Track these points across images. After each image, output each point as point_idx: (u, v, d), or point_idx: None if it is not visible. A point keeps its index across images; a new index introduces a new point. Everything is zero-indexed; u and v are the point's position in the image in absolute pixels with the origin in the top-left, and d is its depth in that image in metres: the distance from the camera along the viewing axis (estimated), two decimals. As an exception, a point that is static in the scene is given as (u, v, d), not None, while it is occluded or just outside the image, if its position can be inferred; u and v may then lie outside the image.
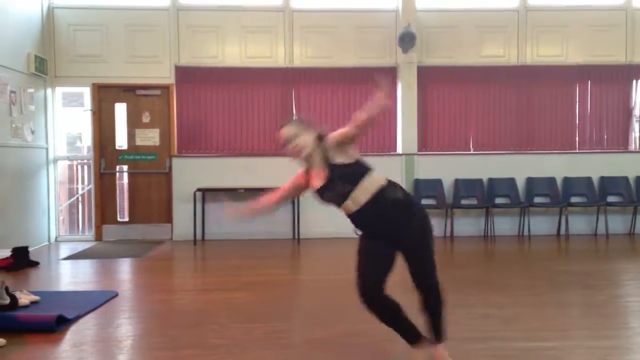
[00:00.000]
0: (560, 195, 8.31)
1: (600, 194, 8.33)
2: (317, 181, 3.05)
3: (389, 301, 3.00)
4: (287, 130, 3.11)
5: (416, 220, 2.99)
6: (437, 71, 8.43)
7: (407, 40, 7.99)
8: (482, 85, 8.49)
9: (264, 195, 3.36)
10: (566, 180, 8.36)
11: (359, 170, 2.98)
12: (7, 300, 4.22)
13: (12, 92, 7.03)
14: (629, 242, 7.82)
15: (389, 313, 3.02)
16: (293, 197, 3.35)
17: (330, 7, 8.43)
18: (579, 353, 3.43)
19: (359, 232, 3.07)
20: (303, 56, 8.38)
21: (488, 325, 3.94)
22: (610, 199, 8.29)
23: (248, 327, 3.91)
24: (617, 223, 8.27)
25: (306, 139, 3.06)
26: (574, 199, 8.30)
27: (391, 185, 3.00)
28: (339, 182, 2.95)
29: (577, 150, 8.55)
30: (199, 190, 7.91)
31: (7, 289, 4.30)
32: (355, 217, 3.00)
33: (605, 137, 8.60)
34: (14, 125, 7.10)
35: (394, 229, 2.96)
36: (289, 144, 3.09)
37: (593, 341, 3.63)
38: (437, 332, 3.10)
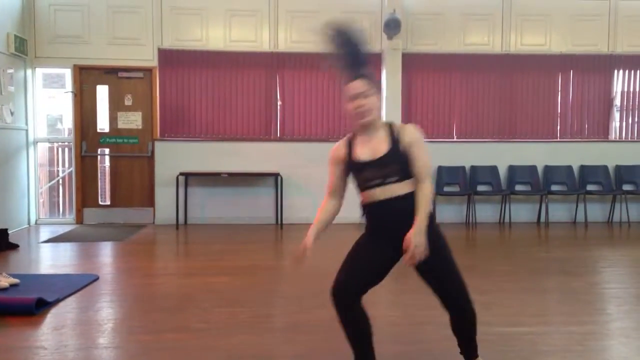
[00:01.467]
0: (541, 183, 8.40)
1: (580, 183, 8.43)
2: (366, 152, 2.66)
3: (361, 314, 2.66)
4: (359, 85, 2.64)
5: (434, 240, 2.62)
6: (422, 58, 8.44)
7: (392, 26, 7.97)
8: (466, 73, 8.52)
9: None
10: (547, 168, 8.45)
11: (408, 170, 2.65)
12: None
13: (-9, 72, 6.91)
14: (607, 230, 7.94)
15: (355, 327, 2.67)
16: (345, 189, 2.78)
17: (315, -8, 8.38)
18: (557, 338, 3.49)
19: (364, 222, 2.75)
20: (288, 41, 8.33)
21: (468, 311, 3.98)
22: (590, 187, 8.40)
23: (231, 312, 3.91)
24: (596, 211, 8.39)
25: (376, 103, 2.67)
26: (554, 187, 8.39)
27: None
28: (393, 164, 2.62)
29: (558, 139, 8.63)
30: (181, 174, 7.86)
31: (-14, 272, 4.26)
32: (375, 209, 2.66)
33: (586, 126, 8.69)
34: (-8, 106, 6.99)
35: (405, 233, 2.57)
36: (356, 101, 2.63)
37: (571, 326, 3.70)
38: (468, 354, 2.86)
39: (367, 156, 2.66)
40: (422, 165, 2.65)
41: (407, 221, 2.57)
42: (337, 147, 2.77)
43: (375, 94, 2.68)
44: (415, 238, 2.51)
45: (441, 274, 2.69)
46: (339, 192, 2.79)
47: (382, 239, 2.67)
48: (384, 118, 8.78)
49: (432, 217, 2.66)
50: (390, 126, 2.72)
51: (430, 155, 2.71)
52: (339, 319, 2.66)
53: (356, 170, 2.69)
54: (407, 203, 2.61)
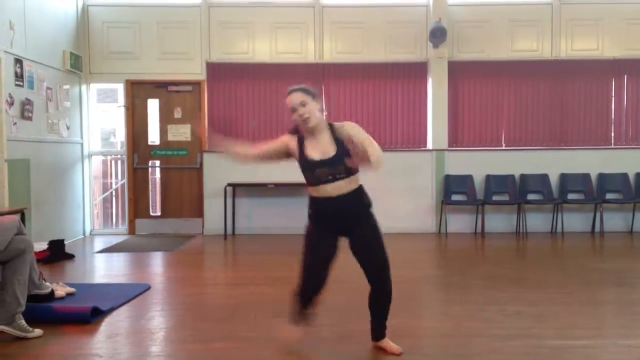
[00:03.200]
0: (594, 192, 8.15)
1: (636, 190, 8.14)
2: (317, 153, 3.09)
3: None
4: (296, 97, 3.13)
5: (371, 220, 3.20)
6: (469, 66, 8.34)
7: (438, 35, 7.91)
8: (514, 80, 8.37)
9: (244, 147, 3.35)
10: (601, 176, 8.20)
11: (356, 169, 3.12)
12: (49, 289, 4.32)
13: (48, 88, 7.19)
14: (666, 240, 7.64)
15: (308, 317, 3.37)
16: (270, 161, 3.31)
17: (360, 3, 8.40)
18: (614, 351, 3.37)
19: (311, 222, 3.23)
20: (333, 52, 8.37)
21: (521, 323, 3.90)
22: (647, 195, 8.11)
23: (278, 321, 3.92)
24: (654, 220, 8.09)
25: (313, 109, 3.10)
26: (609, 196, 8.13)
27: (363, 189, 3.21)
28: (340, 165, 3.04)
29: (612, 146, 8.37)
30: (229, 185, 7.98)
31: (44, 280, 4.40)
32: (323, 204, 3.12)
33: (642, 132, 8.41)
34: (50, 121, 7.25)
35: (350, 225, 3.15)
36: (297, 111, 3.10)
37: (628, 340, 3.57)
38: (384, 326, 3.37)
39: (318, 156, 3.08)
40: (363, 139, 3.06)
41: (353, 214, 3.13)
42: (289, 137, 3.20)
43: (312, 101, 3.13)
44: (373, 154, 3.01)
45: (373, 244, 3.17)
46: (263, 158, 3.28)
47: (329, 230, 3.16)
48: (430, 127, 8.64)
49: (369, 207, 3.21)
50: (331, 127, 3.15)
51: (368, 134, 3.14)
52: (298, 314, 3.33)
53: (308, 168, 3.11)
54: (354, 198, 3.13)
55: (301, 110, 3.08)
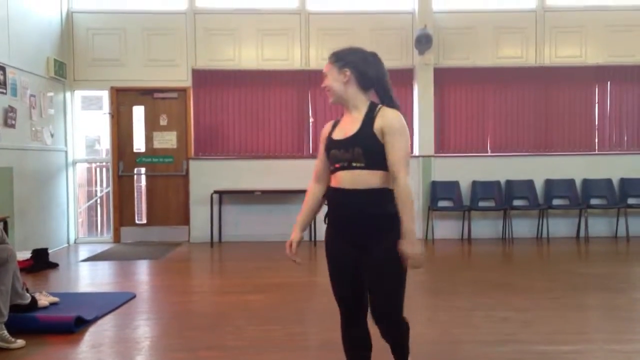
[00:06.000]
0: (579, 197, 8.22)
1: (621, 196, 8.22)
2: (340, 132, 2.47)
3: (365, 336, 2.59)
4: (324, 67, 2.58)
5: (392, 240, 2.33)
6: (454, 73, 8.39)
7: (423, 41, 7.96)
8: (499, 87, 8.43)
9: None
10: (585, 182, 8.27)
11: (382, 161, 2.35)
12: (28, 299, 4.26)
13: (32, 95, 7.12)
14: (650, 245, 7.71)
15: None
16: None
17: (346, 10, 8.42)
18: (600, 357, 3.39)
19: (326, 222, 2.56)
20: (319, 58, 8.38)
21: (507, 328, 3.91)
22: (631, 200, 8.18)
23: (265, 329, 3.91)
24: (638, 225, 8.15)
25: (335, 80, 2.49)
26: (593, 201, 8.20)
27: (391, 194, 2.36)
28: (357, 147, 2.37)
29: (596, 152, 8.45)
30: (215, 192, 7.94)
31: (27, 290, 4.34)
32: (338, 196, 2.44)
33: (625, 138, 8.49)
34: (33, 129, 7.18)
35: (364, 234, 2.39)
36: (323, 83, 2.58)
37: (614, 345, 3.58)
38: None
39: (338, 135, 2.47)
40: (394, 157, 2.32)
41: (367, 220, 2.36)
42: (326, 126, 2.64)
43: (336, 70, 2.50)
44: (407, 250, 2.29)
45: (382, 273, 2.40)
46: (324, 176, 2.58)
47: (343, 236, 2.45)
48: (417, 134, 8.59)
49: (394, 218, 2.33)
50: (371, 106, 2.46)
51: (407, 146, 2.38)
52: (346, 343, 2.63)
53: (328, 149, 2.50)
54: (373, 199, 2.35)
55: (324, 82, 2.54)
